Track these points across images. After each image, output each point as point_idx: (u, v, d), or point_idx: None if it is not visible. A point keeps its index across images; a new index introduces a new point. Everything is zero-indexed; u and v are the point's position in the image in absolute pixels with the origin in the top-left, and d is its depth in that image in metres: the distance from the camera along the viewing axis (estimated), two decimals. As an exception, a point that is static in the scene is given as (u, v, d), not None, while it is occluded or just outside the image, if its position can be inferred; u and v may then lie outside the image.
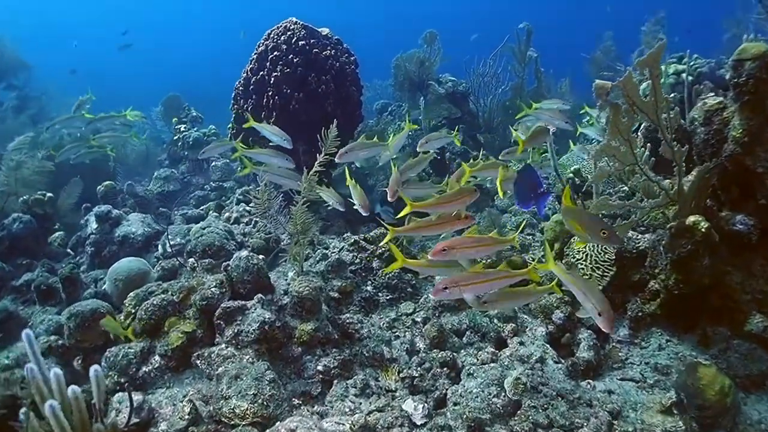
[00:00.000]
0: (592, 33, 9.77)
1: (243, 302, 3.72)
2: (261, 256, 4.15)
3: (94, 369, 2.78)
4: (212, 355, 3.48)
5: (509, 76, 9.21)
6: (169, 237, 5.09)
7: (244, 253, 3.91)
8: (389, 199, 3.83)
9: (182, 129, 8.78)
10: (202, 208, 6.57)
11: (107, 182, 6.71)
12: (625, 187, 5.91)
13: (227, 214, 5.74)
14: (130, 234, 5.51)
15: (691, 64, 6.33)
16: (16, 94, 11.82)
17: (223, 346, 3.54)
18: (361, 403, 3.54)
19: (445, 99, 8.91)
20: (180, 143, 8.62)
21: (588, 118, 5.54)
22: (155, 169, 8.59)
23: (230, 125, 6.72)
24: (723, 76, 6.74)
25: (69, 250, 6.13)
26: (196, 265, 4.26)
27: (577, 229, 2.82)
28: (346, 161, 4.30)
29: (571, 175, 5.99)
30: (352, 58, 6.64)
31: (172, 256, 4.91)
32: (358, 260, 5.01)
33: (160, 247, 5.14)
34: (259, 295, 3.74)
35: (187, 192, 7.60)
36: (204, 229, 4.62)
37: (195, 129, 8.89)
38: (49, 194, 6.33)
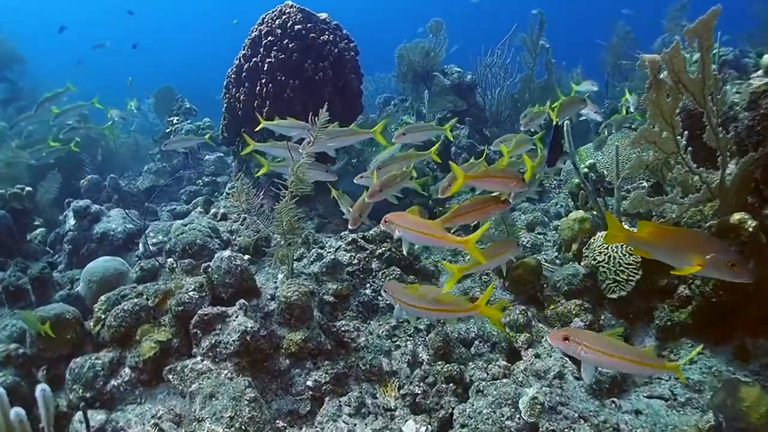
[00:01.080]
0: (604, 21, 9.35)
1: (223, 308, 3.29)
2: (247, 257, 3.72)
3: (40, 388, 2.35)
4: (185, 370, 3.05)
5: (518, 66, 8.77)
6: (150, 234, 4.67)
7: (226, 253, 3.49)
8: (350, 226, 3.58)
9: (175, 121, 8.37)
10: (192, 204, 6.15)
11: (91, 176, 6.30)
12: (644, 183, 5.53)
13: (214, 210, 5.31)
14: (109, 231, 5.09)
15: (714, 52, 5.89)
16: (8, 87, 11.49)
17: (199, 359, 3.11)
18: (356, 425, 3.11)
19: (451, 91, 8.47)
20: (172, 136, 8.19)
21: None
22: (146, 163, 8.20)
23: (223, 116, 6.31)
24: (748, 64, 6.32)
25: (48, 248, 5.72)
26: (174, 265, 3.84)
27: (673, 255, 2.32)
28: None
29: (586, 170, 5.56)
30: (351, 45, 6.22)
31: (151, 255, 4.49)
32: (356, 261, 4.60)
33: (140, 245, 4.72)
34: (242, 301, 3.31)
35: (179, 187, 7.18)
36: (185, 226, 4.19)
37: (188, 121, 8.47)
38: (27, 188, 5.93)
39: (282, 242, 3.68)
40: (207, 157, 7.63)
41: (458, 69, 8.66)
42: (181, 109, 8.71)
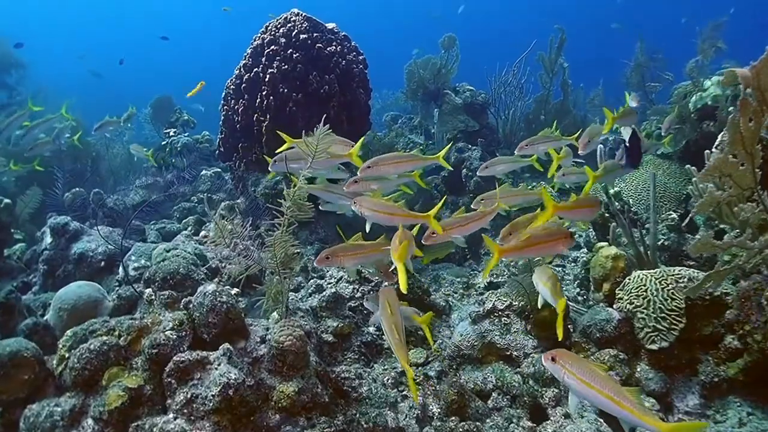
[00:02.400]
0: (625, 43, 8.94)
1: (204, 354, 2.81)
2: (235, 290, 3.24)
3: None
4: (155, 430, 2.56)
5: (533, 87, 8.34)
6: (132, 258, 4.20)
7: (210, 287, 3.01)
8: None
9: (171, 133, 7.93)
10: (183, 222, 5.68)
11: (76, 189, 5.84)
12: (673, 214, 5.07)
13: (204, 233, 4.84)
14: (88, 251, 4.61)
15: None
16: (6, 93, 11.19)
17: (171, 416, 2.62)
18: (355, 499, 2.62)
19: (463, 110, 8.03)
20: (168, 149, 7.76)
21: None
22: (141, 176, 7.74)
23: (220, 130, 5.87)
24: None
25: (25, 266, 5.25)
26: (153, 297, 3.37)
27: None
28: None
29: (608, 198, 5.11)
30: (360, 57, 5.79)
31: (129, 283, 4.02)
32: (359, 294, 4.13)
33: (120, 269, 4.25)
34: (226, 346, 2.83)
35: (172, 203, 6.72)
36: (168, 252, 3.72)
37: (185, 134, 8.04)
38: (6, 200, 5.47)
39: (275, 278, 3.20)
40: (203, 172, 7.18)
41: (470, 87, 8.23)
42: (178, 120, 8.29)
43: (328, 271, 4.63)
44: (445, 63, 8.35)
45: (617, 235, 4.24)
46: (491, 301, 3.89)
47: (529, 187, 4.79)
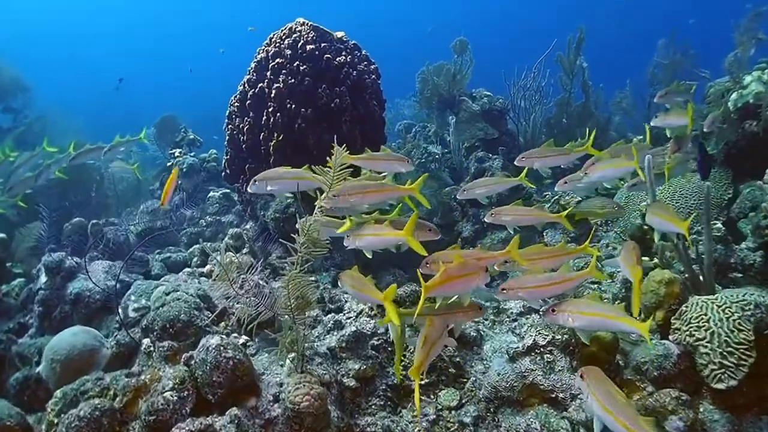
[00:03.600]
0: (648, 39, 8.50)
1: (208, 421, 2.43)
2: (243, 339, 2.86)
3: None
4: None
5: (553, 89, 7.91)
6: (131, 298, 3.83)
7: (213, 340, 2.63)
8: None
9: (177, 154, 7.59)
10: (189, 252, 5.30)
11: (76, 219, 5.50)
12: (718, 224, 4.64)
13: (208, 267, 4.45)
14: (85, 291, 4.24)
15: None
16: (11, 117, 11.00)
17: (171, 504, 2.25)
18: None
19: (480, 117, 7.62)
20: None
21: None
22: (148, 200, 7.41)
23: (225, 151, 5.51)
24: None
25: (23, 305, 4.91)
26: (151, 348, 3.01)
27: None
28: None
29: (639, 221, 4.69)
30: (372, 67, 5.41)
31: (132, 325, 3.66)
32: (382, 329, 3.73)
33: (119, 310, 3.88)
34: (234, 412, 2.44)
35: (179, 229, 6.35)
36: (167, 294, 3.34)
37: (191, 154, 7.69)
38: (1, 235, 5.15)
39: (288, 326, 2.81)
40: (211, 194, 6.83)
41: (488, 93, 7.82)
42: (184, 140, 7.94)
43: (346, 302, 4.24)
44: (459, 68, 7.94)
45: (664, 253, 3.83)
46: (531, 335, 3.48)
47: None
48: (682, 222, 3.12)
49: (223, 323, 3.42)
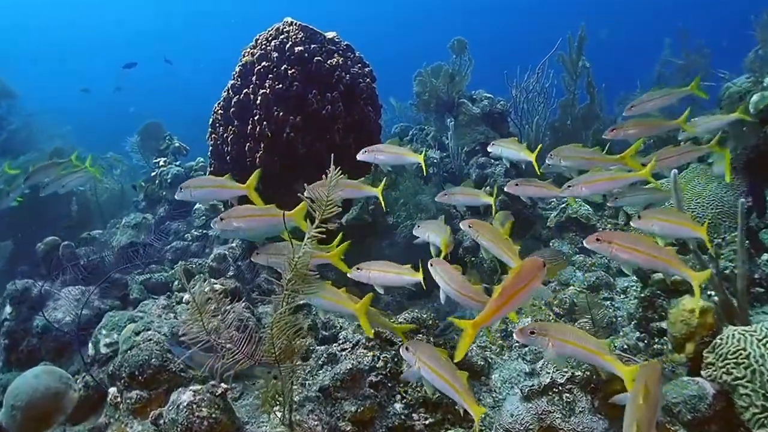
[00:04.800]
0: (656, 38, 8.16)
1: (177, 498, 2.05)
2: (222, 389, 2.47)
3: None
4: None
5: (556, 91, 7.54)
6: (102, 332, 3.45)
7: (186, 396, 2.25)
8: None
9: (161, 163, 7.20)
10: (173, 271, 4.91)
11: (50, 238, 5.10)
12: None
13: (186, 296, 4.04)
14: (52, 324, 3.86)
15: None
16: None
17: None
18: None
19: (481, 120, 7.25)
20: (158, 180, 7.04)
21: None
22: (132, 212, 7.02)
23: (209, 162, 5.13)
24: None
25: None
26: (118, 399, 2.64)
27: None
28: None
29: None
30: (367, 69, 5.03)
31: (104, 362, 3.28)
32: (381, 363, 3.36)
33: (90, 346, 3.49)
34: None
35: (163, 244, 5.96)
36: (137, 334, 2.96)
37: (177, 163, 7.31)
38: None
39: (274, 373, 2.43)
40: (198, 205, 6.44)
41: (488, 95, 7.45)
42: (169, 148, 7.55)
43: (341, 328, 3.88)
44: (458, 69, 7.58)
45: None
46: (548, 373, 3.12)
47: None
48: (698, 226, 2.92)
49: (191, 386, 3.04)
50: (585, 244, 2.80)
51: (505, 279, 2.35)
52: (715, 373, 2.83)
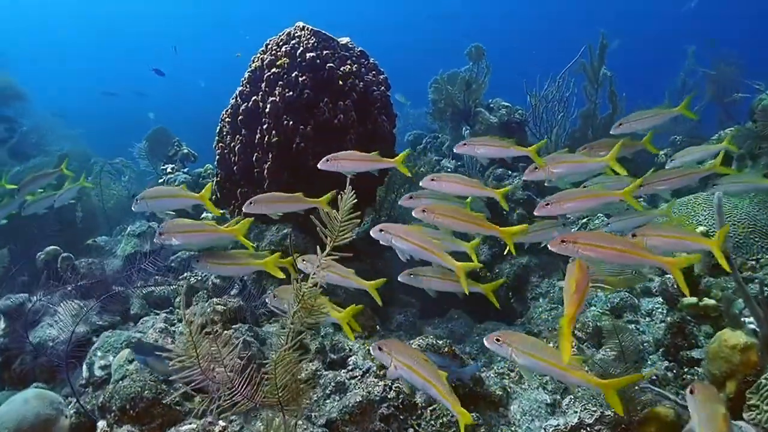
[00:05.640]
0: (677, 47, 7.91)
1: None
2: (220, 428, 2.25)
3: None
4: None
5: (576, 100, 7.29)
6: (98, 353, 3.24)
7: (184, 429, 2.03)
8: None
9: (169, 170, 7.02)
10: (177, 286, 4.68)
11: (50, 248, 4.91)
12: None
13: (180, 328, 3.78)
14: (47, 341, 3.66)
15: None
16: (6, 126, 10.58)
17: None
18: None
19: (498, 130, 7.02)
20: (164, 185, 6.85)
21: None
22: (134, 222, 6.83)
23: (216, 172, 4.93)
24: None
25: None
26: (108, 434, 2.43)
27: None
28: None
29: None
30: (381, 77, 4.82)
31: (99, 385, 3.07)
32: (393, 394, 3.12)
33: (84, 367, 3.28)
34: None
35: (168, 252, 5.75)
36: (130, 362, 2.75)
37: (185, 170, 7.12)
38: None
39: (277, 416, 2.19)
40: (205, 213, 6.24)
41: (506, 104, 7.22)
42: (177, 154, 7.37)
43: (350, 351, 3.66)
44: (475, 77, 7.35)
45: (732, 305, 3.22)
46: (576, 411, 2.87)
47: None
48: (709, 240, 2.76)
49: (198, 398, 2.83)
50: (550, 248, 2.68)
51: (571, 273, 2.30)
52: (759, 416, 2.57)
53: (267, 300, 3.23)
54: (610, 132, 4.00)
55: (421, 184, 3.52)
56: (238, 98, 4.62)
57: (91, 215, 7.20)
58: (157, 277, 5.10)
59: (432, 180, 3.48)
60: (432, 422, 3.04)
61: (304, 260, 3.19)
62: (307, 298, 2.04)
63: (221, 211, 4.48)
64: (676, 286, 4.16)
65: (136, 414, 2.55)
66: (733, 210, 4.73)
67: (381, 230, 3.05)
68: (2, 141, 10.14)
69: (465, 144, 3.66)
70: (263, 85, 4.44)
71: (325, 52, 4.49)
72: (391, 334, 4.49)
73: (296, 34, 4.57)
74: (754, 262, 4.31)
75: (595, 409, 2.85)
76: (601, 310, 4.40)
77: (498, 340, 2.40)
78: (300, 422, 2.71)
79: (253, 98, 4.45)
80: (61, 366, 3.45)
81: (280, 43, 4.57)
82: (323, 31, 4.66)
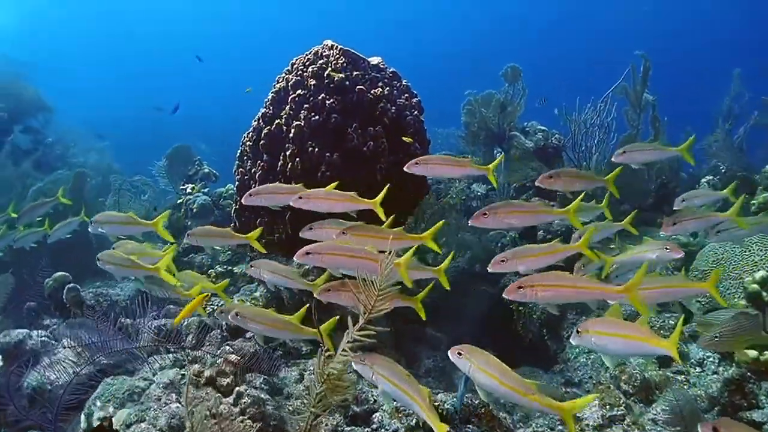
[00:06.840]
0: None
1: None
2: None
3: None
4: None
5: (616, 125, 6.90)
6: (97, 402, 2.92)
7: None
8: None
9: (188, 190, 6.76)
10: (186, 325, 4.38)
11: (59, 274, 4.63)
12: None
13: (196, 369, 3.44)
14: (44, 386, 3.35)
15: None
16: (31, 137, 10.57)
17: None
18: None
19: (534, 155, 6.67)
20: (183, 209, 6.59)
21: None
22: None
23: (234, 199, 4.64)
24: None
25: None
26: None
27: None
28: None
29: (756, 287, 3.74)
30: (414, 101, 4.49)
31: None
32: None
33: (82, 417, 2.96)
34: None
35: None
36: (128, 428, 2.41)
37: (205, 189, 6.85)
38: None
39: None
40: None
41: (542, 128, 6.87)
42: (198, 174, 7.13)
43: (375, 403, 3.30)
44: (510, 99, 7.00)
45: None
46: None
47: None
48: (693, 282, 3.25)
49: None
50: (505, 296, 2.65)
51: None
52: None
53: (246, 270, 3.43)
54: (612, 159, 3.93)
55: (405, 168, 3.43)
56: (261, 120, 4.32)
57: (103, 241, 6.99)
58: (170, 306, 4.82)
59: (416, 164, 3.41)
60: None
61: (252, 266, 3.36)
62: (333, 378, 1.70)
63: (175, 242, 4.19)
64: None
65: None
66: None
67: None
68: (27, 152, 10.10)
69: (417, 163, 3.45)
70: (288, 107, 4.14)
71: (355, 73, 4.18)
72: (420, 380, 4.15)
73: (324, 53, 4.26)
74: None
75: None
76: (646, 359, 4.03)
77: (460, 354, 2.35)
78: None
79: (276, 122, 4.14)
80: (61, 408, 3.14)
81: (307, 63, 4.27)
82: (353, 50, 4.35)
